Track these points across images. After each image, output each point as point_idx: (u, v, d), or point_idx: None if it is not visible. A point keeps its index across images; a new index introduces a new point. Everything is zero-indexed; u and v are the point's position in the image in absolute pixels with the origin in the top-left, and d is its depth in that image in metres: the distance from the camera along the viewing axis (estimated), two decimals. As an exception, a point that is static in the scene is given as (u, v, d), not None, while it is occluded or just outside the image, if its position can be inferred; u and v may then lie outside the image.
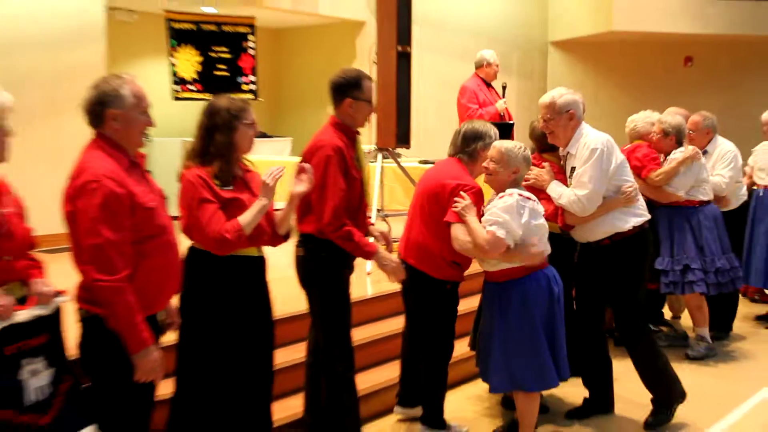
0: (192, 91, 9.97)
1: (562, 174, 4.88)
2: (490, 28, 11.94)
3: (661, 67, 12.96)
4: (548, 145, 4.88)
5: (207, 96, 10.03)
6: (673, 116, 5.71)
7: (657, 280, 5.59)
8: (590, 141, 4.29)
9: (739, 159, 6.19)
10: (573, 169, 4.37)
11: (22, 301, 2.72)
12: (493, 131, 4.29)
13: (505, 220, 3.68)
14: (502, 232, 3.67)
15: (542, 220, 3.89)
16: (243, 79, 10.20)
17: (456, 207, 3.84)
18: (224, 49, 10.11)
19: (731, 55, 12.73)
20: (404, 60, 6.86)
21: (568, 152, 4.41)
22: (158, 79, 9.71)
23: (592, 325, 4.62)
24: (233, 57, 10.17)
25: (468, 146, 4.20)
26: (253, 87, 10.46)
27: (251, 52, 10.29)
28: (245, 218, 3.30)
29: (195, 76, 9.93)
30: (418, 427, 4.38)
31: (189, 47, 9.85)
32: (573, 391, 4.78)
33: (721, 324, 6.32)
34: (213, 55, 10.02)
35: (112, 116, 2.97)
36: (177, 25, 9.68)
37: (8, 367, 2.63)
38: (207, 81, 9.94)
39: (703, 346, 5.73)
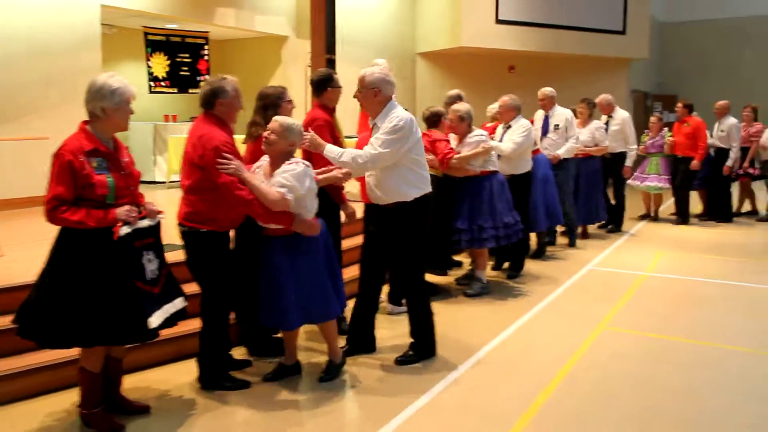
0: (163, 86, 9.96)
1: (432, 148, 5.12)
2: (375, 41, 12.12)
3: (494, 73, 13.38)
4: (434, 124, 5.40)
5: (174, 90, 10.18)
6: (463, 104, 5.50)
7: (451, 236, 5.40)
8: (395, 117, 3.80)
9: (532, 133, 6.14)
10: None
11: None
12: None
13: (293, 185, 3.42)
14: (291, 196, 3.41)
15: (315, 184, 3.60)
16: (200, 78, 10.21)
17: (227, 169, 3.36)
18: (186, 55, 10.11)
19: (540, 65, 13.38)
20: (330, 65, 7.40)
21: (375, 124, 3.89)
22: (138, 77, 9.77)
23: (374, 281, 4.16)
24: (193, 61, 10.17)
25: None
26: (207, 84, 10.59)
27: (206, 57, 10.32)
28: None
29: (165, 75, 9.90)
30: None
31: (161, 54, 9.86)
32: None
33: (515, 265, 6.22)
34: (178, 60, 10.00)
35: (219, 103, 3.47)
36: (152, 37, 9.65)
37: (136, 255, 3.06)
38: (174, 79, 9.96)
39: (478, 286, 5.54)
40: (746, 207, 9.97)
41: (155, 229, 3.23)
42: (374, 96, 3.86)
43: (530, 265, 6.53)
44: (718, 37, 17.36)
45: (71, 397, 3.42)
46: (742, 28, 17.12)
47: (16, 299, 3.79)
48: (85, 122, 3.08)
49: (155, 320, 3.09)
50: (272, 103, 3.97)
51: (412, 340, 4.15)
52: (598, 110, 8.35)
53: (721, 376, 3.92)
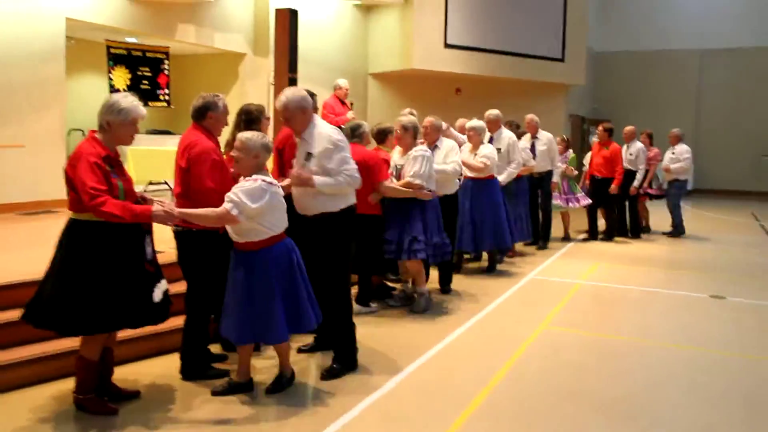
0: (123, 99, 10.12)
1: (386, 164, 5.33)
2: (329, 61, 12.49)
3: (441, 95, 13.91)
4: (383, 140, 5.57)
5: (133, 103, 10.31)
6: (408, 116, 5.63)
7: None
8: (326, 133, 3.93)
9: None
10: (309, 154, 3.93)
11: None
12: (363, 126, 5.17)
13: (241, 201, 3.40)
14: (236, 211, 3.40)
15: (282, 202, 3.63)
16: (160, 92, 10.42)
17: (155, 218, 3.35)
18: (147, 69, 10.30)
19: (485, 88, 14.03)
20: (292, 83, 7.81)
21: (303, 138, 3.97)
22: (99, 89, 9.88)
23: (333, 290, 4.10)
24: (153, 75, 10.38)
25: (355, 133, 5.06)
26: (167, 97, 10.74)
27: (166, 72, 10.56)
28: None
29: (126, 87, 10.07)
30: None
31: (122, 67, 10.03)
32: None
33: (444, 280, 6.32)
34: (139, 73, 10.20)
35: (210, 116, 3.85)
36: (114, 51, 9.84)
37: (143, 237, 3.44)
38: (134, 92, 10.02)
39: (423, 301, 5.57)
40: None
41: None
42: (303, 114, 3.93)
43: (473, 279, 7.02)
44: (648, 67, 18.70)
45: (61, 386, 3.72)
46: (669, 59, 18.48)
47: (7, 297, 4.10)
48: (94, 131, 3.42)
49: (157, 294, 3.46)
50: (256, 118, 4.32)
51: (333, 353, 4.20)
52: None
53: (641, 363, 4.53)
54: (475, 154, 6.83)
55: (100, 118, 3.39)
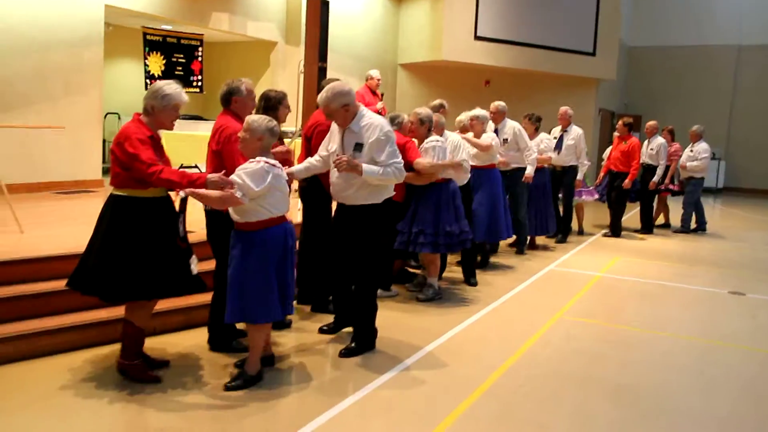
0: (158, 84, 10.44)
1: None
2: (359, 51, 12.69)
3: (470, 86, 14.01)
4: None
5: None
6: (425, 108, 5.62)
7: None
8: (376, 123, 4.07)
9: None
10: (359, 144, 4.05)
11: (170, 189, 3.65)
12: (401, 116, 5.45)
13: (244, 183, 3.46)
14: (239, 193, 3.46)
15: (284, 185, 3.68)
16: (193, 78, 10.66)
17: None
18: (181, 55, 10.54)
19: (514, 81, 14.18)
20: (322, 73, 7.95)
21: (349, 128, 4.09)
22: (135, 74, 10.12)
23: (356, 272, 4.28)
24: (187, 62, 10.62)
25: (395, 121, 5.30)
26: (200, 84, 11.00)
27: (200, 59, 10.80)
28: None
29: (160, 73, 10.33)
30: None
31: (157, 53, 10.30)
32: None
33: (467, 272, 6.38)
34: (174, 59, 10.45)
35: (235, 101, 4.05)
36: (150, 37, 10.11)
37: (176, 219, 3.67)
38: (169, 78, 10.23)
39: (431, 291, 5.65)
40: (660, 220, 10.69)
41: (185, 200, 3.76)
42: (345, 112, 4.06)
43: (491, 270, 7.13)
44: (682, 63, 18.45)
45: (88, 354, 4.01)
46: (704, 55, 18.22)
47: (44, 268, 4.39)
48: (139, 114, 3.66)
49: (194, 268, 3.70)
50: (273, 105, 4.44)
51: (354, 331, 4.38)
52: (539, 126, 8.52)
53: (653, 353, 4.65)
54: None
55: (144, 102, 3.62)
